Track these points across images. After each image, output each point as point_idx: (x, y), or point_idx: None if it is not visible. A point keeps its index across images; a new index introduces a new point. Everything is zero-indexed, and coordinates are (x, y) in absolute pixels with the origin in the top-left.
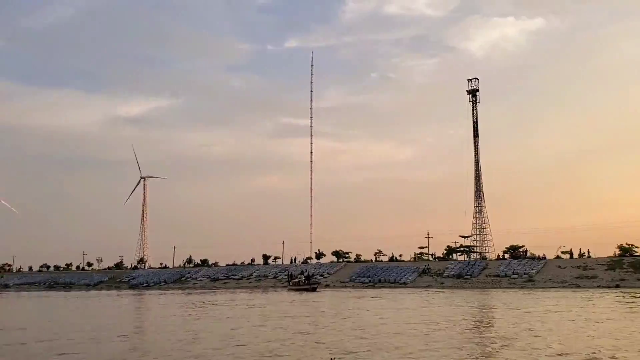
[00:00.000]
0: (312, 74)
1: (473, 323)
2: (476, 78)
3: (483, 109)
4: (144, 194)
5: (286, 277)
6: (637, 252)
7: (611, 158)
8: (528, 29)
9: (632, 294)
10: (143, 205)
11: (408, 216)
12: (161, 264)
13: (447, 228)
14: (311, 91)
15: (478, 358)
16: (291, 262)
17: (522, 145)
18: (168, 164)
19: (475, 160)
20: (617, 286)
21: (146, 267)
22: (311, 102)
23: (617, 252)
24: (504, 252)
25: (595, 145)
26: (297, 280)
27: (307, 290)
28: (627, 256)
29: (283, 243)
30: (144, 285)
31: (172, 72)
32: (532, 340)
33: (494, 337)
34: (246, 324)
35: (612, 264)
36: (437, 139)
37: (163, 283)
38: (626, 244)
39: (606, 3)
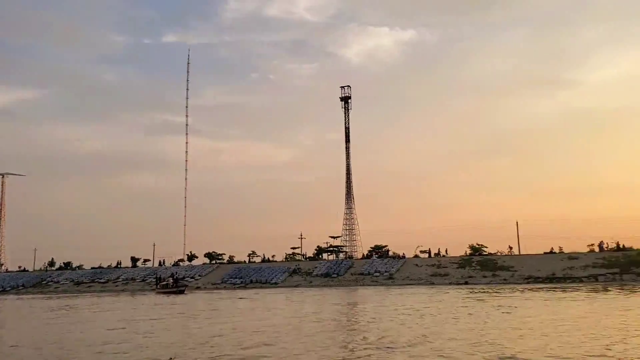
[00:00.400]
0: (188, 71)
1: (311, 318)
2: (348, 85)
3: (358, 115)
4: (2, 192)
5: (154, 280)
6: (485, 252)
7: (472, 164)
8: (401, 39)
9: (474, 290)
10: (0, 204)
11: (285, 217)
12: (20, 267)
13: (321, 229)
14: (187, 89)
15: (284, 350)
16: (160, 264)
17: (391, 150)
18: (31, 160)
19: (347, 164)
20: (466, 283)
21: (3, 271)
22: (187, 99)
23: (468, 251)
24: (369, 251)
25: (456, 151)
26: (164, 283)
27: (174, 292)
28: (476, 255)
29: (154, 245)
30: None
31: (38, 62)
32: (356, 332)
33: (319, 332)
34: (96, 328)
35: (463, 262)
36: (316, 142)
37: (21, 287)
38: (476, 244)
39: (470, 19)
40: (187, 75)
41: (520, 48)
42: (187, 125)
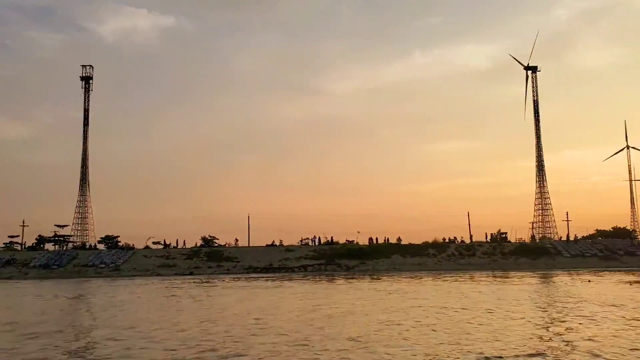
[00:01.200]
0: None
1: None
2: (90, 65)
3: (108, 97)
4: None
5: None
6: (216, 244)
7: (223, 158)
8: (160, 24)
9: (192, 281)
10: None
11: (8, 202)
12: None
13: (52, 217)
14: None
15: None
16: None
17: (141, 138)
18: None
19: (84, 149)
20: (191, 273)
21: None
22: None
23: (200, 242)
24: (99, 241)
25: (208, 144)
26: None
27: None
28: (206, 247)
29: None
30: None
31: None
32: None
33: None
34: None
35: (192, 253)
36: (57, 120)
37: None
38: (208, 235)
39: (228, 16)
40: None
41: (274, 52)
42: None
